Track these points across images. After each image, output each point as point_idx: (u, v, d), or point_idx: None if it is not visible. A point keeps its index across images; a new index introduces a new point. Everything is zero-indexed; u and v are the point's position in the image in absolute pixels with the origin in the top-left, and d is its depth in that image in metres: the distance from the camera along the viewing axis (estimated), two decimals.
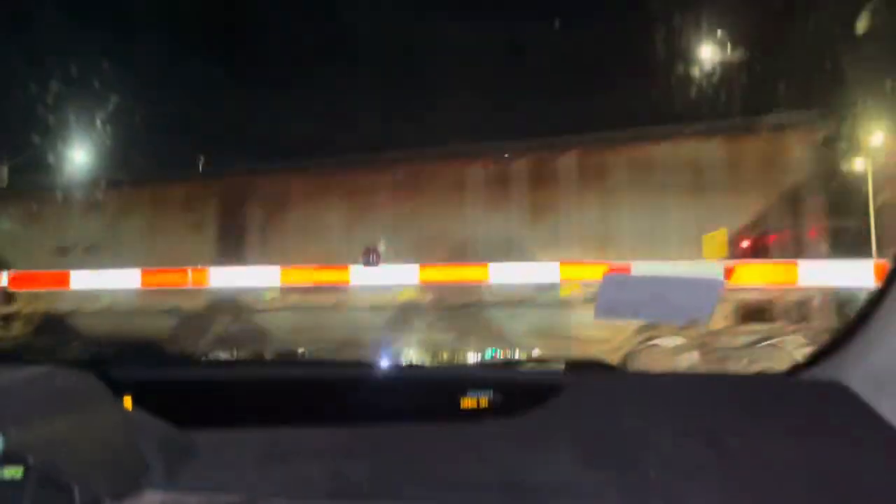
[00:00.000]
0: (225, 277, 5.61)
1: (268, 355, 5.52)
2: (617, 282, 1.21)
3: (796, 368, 1.13)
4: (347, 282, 4.94)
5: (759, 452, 0.91)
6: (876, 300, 1.02)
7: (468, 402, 1.15)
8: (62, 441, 0.77)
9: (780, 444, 0.92)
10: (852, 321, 1.06)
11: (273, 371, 1.45)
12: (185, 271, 5.86)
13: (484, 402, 1.14)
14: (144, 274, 5.80)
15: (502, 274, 5.00)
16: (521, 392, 1.13)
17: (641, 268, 4.61)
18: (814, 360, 1.11)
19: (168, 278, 5.82)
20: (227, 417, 1.02)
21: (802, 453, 0.91)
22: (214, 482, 0.85)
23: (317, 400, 1.17)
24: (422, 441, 0.99)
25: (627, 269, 4.66)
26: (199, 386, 1.20)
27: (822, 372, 1.08)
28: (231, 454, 0.94)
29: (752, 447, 0.92)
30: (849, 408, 0.99)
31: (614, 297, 1.21)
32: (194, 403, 1.08)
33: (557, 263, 5.21)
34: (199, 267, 5.88)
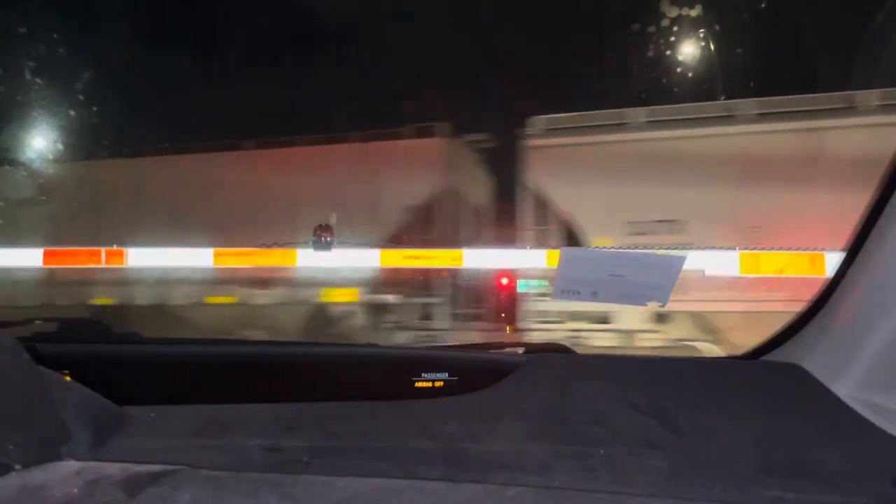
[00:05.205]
0: (147, 259, 5.69)
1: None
2: (575, 258, 1.37)
3: (755, 352, 1.32)
4: (293, 265, 5.07)
5: (711, 428, 1.07)
6: (831, 287, 1.21)
7: (422, 382, 1.32)
8: None
9: (733, 421, 1.09)
10: (809, 307, 1.25)
11: (219, 349, 1.59)
12: (97, 252, 5.94)
13: (439, 383, 1.32)
14: (47, 254, 5.87)
15: (479, 260, 5.15)
16: (477, 373, 1.30)
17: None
18: (772, 344, 1.29)
19: (75, 259, 5.88)
20: (168, 394, 1.16)
21: (755, 429, 1.07)
22: (144, 454, 0.97)
23: (263, 377, 1.33)
24: (369, 417, 1.14)
25: None
26: (139, 362, 1.35)
27: (780, 355, 1.27)
28: (166, 429, 1.07)
29: (704, 423, 1.09)
30: (804, 387, 1.17)
31: (572, 275, 1.37)
32: (133, 380, 1.22)
33: (544, 250, 5.40)
34: (115, 248, 5.99)
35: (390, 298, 8.31)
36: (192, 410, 1.13)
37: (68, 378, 1.14)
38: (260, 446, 1.03)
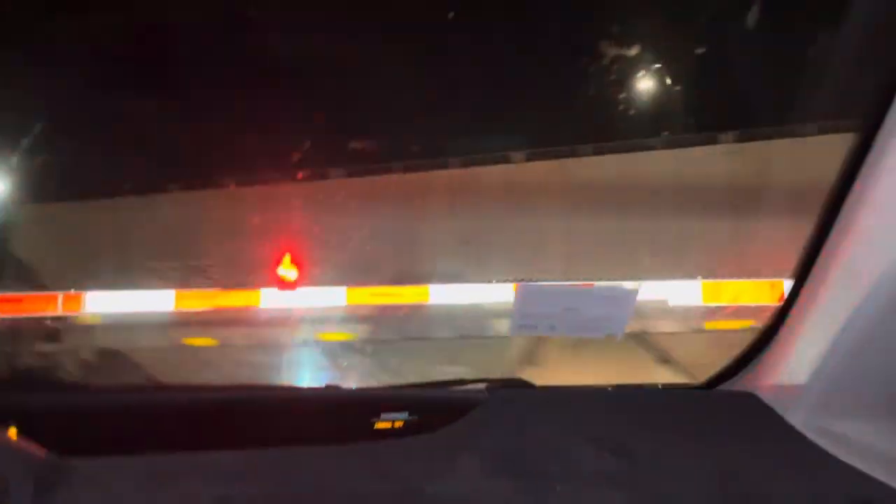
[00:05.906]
0: (106, 303, 5.55)
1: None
2: (531, 293, 1.38)
3: (711, 382, 1.34)
4: (257, 306, 4.98)
5: (667, 460, 1.09)
6: (781, 316, 1.24)
7: (382, 423, 1.30)
8: None
9: (689, 452, 1.11)
10: (761, 336, 1.27)
11: (169, 396, 1.55)
12: (53, 297, 5.76)
13: (399, 423, 1.30)
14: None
15: (445, 296, 5.15)
16: (438, 412, 1.29)
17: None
18: (727, 373, 1.31)
19: (30, 306, 5.69)
20: (115, 444, 1.12)
21: (710, 459, 1.09)
22: None
23: (214, 424, 1.30)
24: (324, 462, 1.12)
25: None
26: (86, 412, 1.30)
27: (735, 384, 1.29)
28: (111, 480, 1.04)
29: (661, 455, 1.10)
30: (758, 416, 1.19)
31: (529, 310, 1.38)
32: (79, 430, 1.18)
33: (511, 284, 5.42)
34: (72, 292, 5.82)
35: None
36: (139, 461, 1.09)
37: (12, 430, 1.10)
38: (210, 496, 1.00)
